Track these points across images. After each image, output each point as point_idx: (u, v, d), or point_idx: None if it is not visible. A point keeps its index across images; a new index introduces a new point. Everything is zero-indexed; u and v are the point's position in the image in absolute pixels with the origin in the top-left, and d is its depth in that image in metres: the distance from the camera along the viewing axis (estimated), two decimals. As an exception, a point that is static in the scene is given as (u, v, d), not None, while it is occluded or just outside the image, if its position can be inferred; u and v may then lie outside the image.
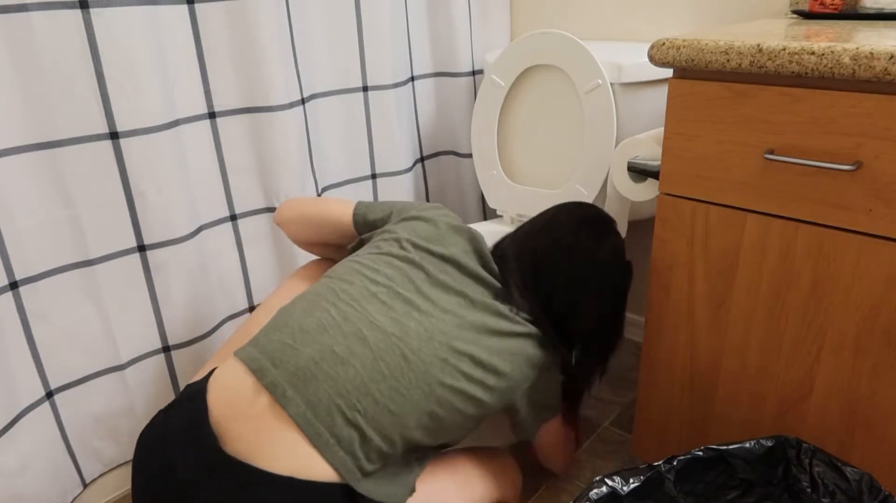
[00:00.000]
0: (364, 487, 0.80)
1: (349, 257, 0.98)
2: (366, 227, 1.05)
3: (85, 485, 1.20)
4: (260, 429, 0.80)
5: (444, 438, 0.91)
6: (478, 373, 0.88)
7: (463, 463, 1.00)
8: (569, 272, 1.00)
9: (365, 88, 1.47)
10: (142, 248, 1.17)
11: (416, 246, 0.95)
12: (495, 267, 0.98)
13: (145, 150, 1.11)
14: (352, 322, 0.86)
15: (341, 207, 1.08)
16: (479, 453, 1.05)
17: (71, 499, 1.17)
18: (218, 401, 0.83)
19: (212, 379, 0.86)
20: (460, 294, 0.92)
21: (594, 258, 1.01)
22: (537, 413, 1.01)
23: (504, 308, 0.93)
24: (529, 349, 0.93)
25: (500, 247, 1.04)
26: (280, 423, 0.80)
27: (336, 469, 0.79)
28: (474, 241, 0.98)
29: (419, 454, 0.90)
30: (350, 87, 1.46)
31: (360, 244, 1.05)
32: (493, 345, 0.90)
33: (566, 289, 0.99)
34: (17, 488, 1.06)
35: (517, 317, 0.94)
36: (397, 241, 0.96)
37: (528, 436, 1.03)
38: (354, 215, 1.06)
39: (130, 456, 1.22)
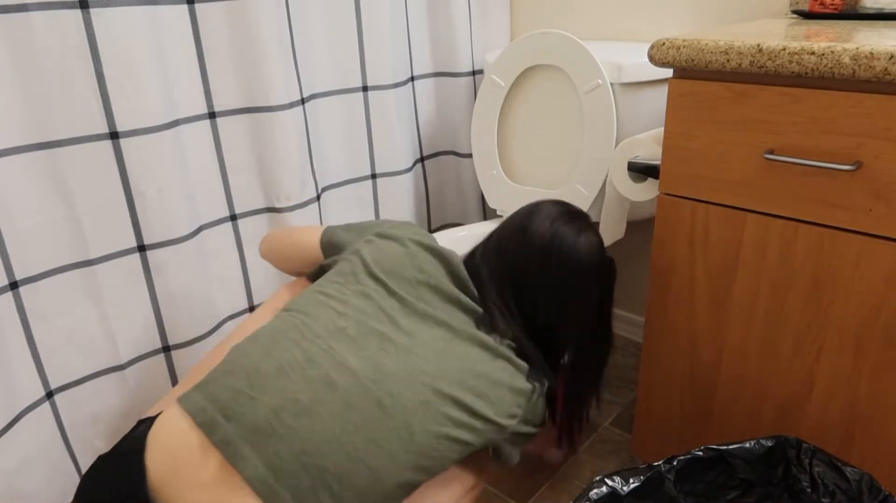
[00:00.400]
0: None
1: (312, 286, 0.87)
2: (332, 250, 0.95)
3: None
4: (209, 500, 0.67)
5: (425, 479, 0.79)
6: (465, 418, 0.78)
7: None
8: (549, 281, 0.91)
9: (365, 88, 1.48)
10: (142, 248, 1.17)
11: (386, 271, 0.84)
12: (474, 289, 0.88)
13: (145, 150, 1.12)
14: (317, 364, 0.74)
15: (311, 234, 0.99)
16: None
17: (71, 500, 1.17)
18: (158, 465, 0.69)
19: (150, 434, 0.72)
20: (441, 324, 0.82)
21: (575, 260, 0.92)
22: (521, 443, 0.90)
23: (489, 339, 0.84)
24: (518, 384, 0.84)
25: (473, 262, 0.94)
26: (233, 492, 0.67)
27: None
28: (448, 261, 0.88)
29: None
30: (350, 86, 1.46)
31: (322, 270, 0.94)
32: (479, 387, 0.80)
33: (549, 302, 0.91)
34: (17, 488, 1.06)
35: (502, 348, 0.84)
36: (364, 264, 0.85)
37: (509, 465, 0.90)
38: (321, 240, 0.97)
39: None
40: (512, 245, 0.94)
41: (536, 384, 0.87)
